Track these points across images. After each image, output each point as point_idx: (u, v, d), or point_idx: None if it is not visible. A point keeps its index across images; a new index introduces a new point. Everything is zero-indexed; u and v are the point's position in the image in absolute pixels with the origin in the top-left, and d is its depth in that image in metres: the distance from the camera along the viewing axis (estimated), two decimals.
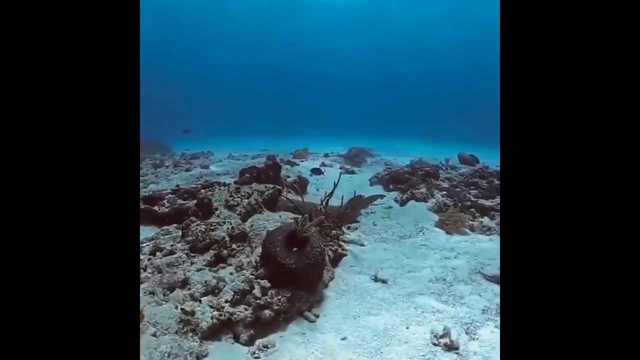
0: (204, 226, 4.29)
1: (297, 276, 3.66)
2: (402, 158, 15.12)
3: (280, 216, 4.83)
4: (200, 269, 3.83)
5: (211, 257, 3.98)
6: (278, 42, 44.27)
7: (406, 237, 6.91)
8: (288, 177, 8.90)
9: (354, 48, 44.98)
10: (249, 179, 6.69)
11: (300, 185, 9.01)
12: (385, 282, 4.73)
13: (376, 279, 4.78)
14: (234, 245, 4.20)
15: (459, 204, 8.55)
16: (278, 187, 6.62)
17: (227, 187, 5.29)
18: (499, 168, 11.68)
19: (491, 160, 12.69)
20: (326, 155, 14.90)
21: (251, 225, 4.63)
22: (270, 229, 4.50)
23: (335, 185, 6.00)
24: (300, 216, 5.10)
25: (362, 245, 6.15)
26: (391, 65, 47.10)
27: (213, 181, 6.96)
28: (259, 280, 3.64)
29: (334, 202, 6.21)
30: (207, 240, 4.10)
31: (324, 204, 5.73)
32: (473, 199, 8.65)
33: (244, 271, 3.78)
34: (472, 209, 8.24)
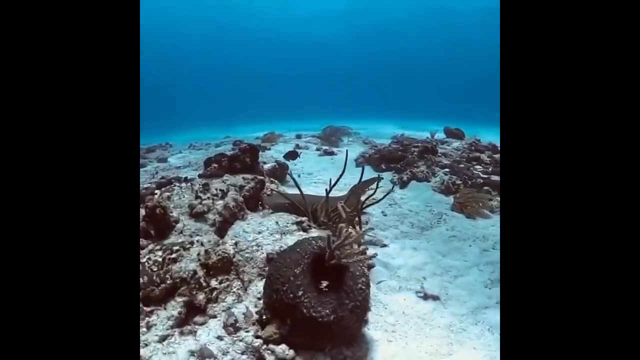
0: (159, 254, 2.52)
1: (335, 331, 2.06)
2: (382, 136, 13.80)
3: (277, 222, 3.14)
4: (164, 337, 2.10)
5: (179, 311, 2.25)
6: (232, 26, 40.96)
7: (428, 228, 5.64)
8: (264, 163, 7.11)
9: (316, 28, 42.78)
10: (219, 170, 4.88)
11: (281, 173, 7.29)
12: (438, 299, 3.53)
13: (425, 296, 3.54)
14: (213, 282, 2.50)
15: (469, 182, 7.37)
16: (259, 177, 4.88)
17: (190, 185, 3.47)
18: (489, 141, 10.82)
19: (472, 135, 11.82)
20: (299, 137, 13.23)
21: (235, 243, 2.93)
22: (268, 245, 2.82)
23: (343, 171, 4.39)
24: (304, 218, 3.46)
25: (384, 245, 4.72)
26: (359, 45, 45.60)
27: (171, 177, 5.01)
28: (271, 345, 1.99)
29: (315, 191, 4.80)
30: (168, 282, 2.35)
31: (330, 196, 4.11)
32: (483, 176, 7.49)
33: (241, 331, 2.11)
34: (485, 187, 7.08)
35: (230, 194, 3.74)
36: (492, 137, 12.61)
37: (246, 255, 2.82)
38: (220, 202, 3.48)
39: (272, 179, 5.66)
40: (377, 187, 5.07)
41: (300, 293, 2.09)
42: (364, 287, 2.30)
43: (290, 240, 2.99)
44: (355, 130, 14.01)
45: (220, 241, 3.02)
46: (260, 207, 4.92)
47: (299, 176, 8.38)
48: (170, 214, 3.10)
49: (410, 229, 5.52)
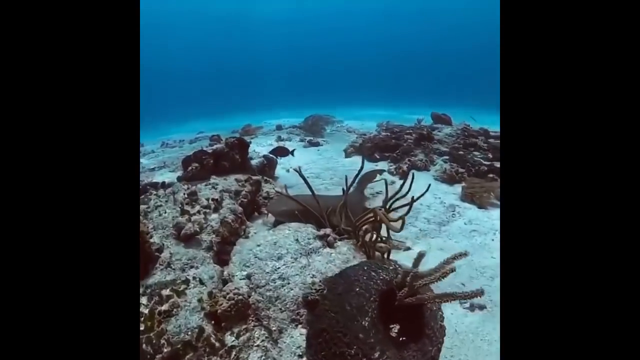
0: (144, 302, 1.70)
1: None
2: (366, 123, 13.19)
3: (296, 239, 2.38)
4: None
5: None
6: (197, 14, 38.45)
7: (445, 223, 5.16)
8: (251, 158, 6.24)
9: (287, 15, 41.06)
10: (202, 171, 4.02)
11: (270, 168, 6.46)
12: (485, 307, 3.13)
13: (472, 307, 3.14)
14: (228, 338, 1.72)
15: (472, 170, 6.90)
16: (254, 177, 4.09)
17: (171, 193, 2.63)
18: (480, 127, 10.47)
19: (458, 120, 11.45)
20: (279, 128, 12.35)
21: (248, 277, 2.15)
22: (296, 277, 2.07)
23: (361, 169, 3.69)
24: (326, 229, 2.74)
25: (408, 248, 4.14)
26: (338, 33, 44.35)
27: (145, 183, 4.08)
28: None
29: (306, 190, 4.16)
30: (165, 350, 1.55)
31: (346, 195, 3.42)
32: (486, 162, 7.03)
33: None
34: (490, 174, 6.63)
35: (225, 203, 2.93)
36: (481, 123, 12.29)
37: (268, 293, 2.05)
38: (215, 216, 2.68)
39: (266, 178, 4.84)
40: (386, 186, 4.35)
41: (377, 355, 1.38)
42: (444, 324, 1.65)
43: (320, 264, 2.24)
44: (338, 118, 13.29)
45: (226, 273, 2.23)
46: (257, 213, 4.13)
47: (287, 171, 7.58)
48: (151, 240, 2.26)
49: (427, 225, 4.95)
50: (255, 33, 44.15)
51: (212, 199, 2.79)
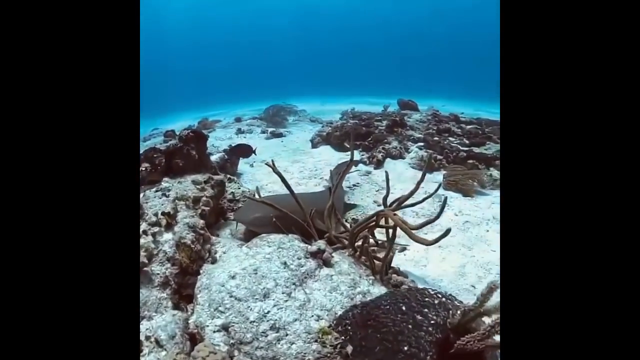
0: None
1: None
2: (329, 112, 12.59)
3: (284, 262, 1.71)
4: None
5: None
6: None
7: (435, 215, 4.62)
8: (210, 154, 5.41)
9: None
10: (153, 174, 3.21)
11: (232, 164, 5.69)
12: None
13: None
14: None
15: (451, 156, 6.58)
16: (216, 176, 3.37)
17: None
18: (450, 112, 10.30)
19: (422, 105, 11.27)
20: (238, 120, 11.43)
21: (224, 327, 1.46)
22: (297, 325, 1.42)
23: (351, 159, 3.05)
24: (319, 242, 2.11)
25: (404, 249, 3.66)
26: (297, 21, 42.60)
27: None
28: None
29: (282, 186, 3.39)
30: None
31: (333, 193, 2.81)
32: (463, 148, 6.74)
33: None
34: (470, 161, 6.35)
35: (181, 217, 2.17)
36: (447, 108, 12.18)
37: (258, 353, 1.37)
38: (168, 236, 1.92)
39: (229, 176, 4.08)
40: (387, 181, 3.77)
41: None
42: None
43: (322, 294, 1.60)
44: (301, 108, 12.56)
45: (192, 322, 1.51)
46: (222, 220, 3.38)
47: (251, 166, 6.80)
48: None
49: (417, 219, 4.46)
50: (205, 28, 41.81)
51: (162, 214, 2.03)
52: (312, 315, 1.64)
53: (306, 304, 1.67)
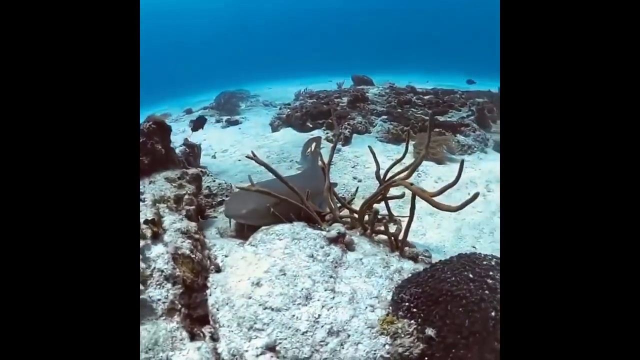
0: None
1: None
2: (282, 96, 12.10)
3: (310, 254, 1.43)
4: None
5: None
6: None
7: (417, 184, 4.59)
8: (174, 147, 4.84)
9: None
10: None
11: (195, 157, 5.19)
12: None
13: None
14: None
15: (417, 126, 6.58)
16: (191, 170, 2.97)
17: None
18: (406, 84, 10.36)
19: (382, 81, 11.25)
20: (189, 112, 10.66)
21: (269, 347, 1.32)
22: (351, 320, 1.19)
23: (336, 137, 2.87)
24: (339, 225, 1.86)
25: (423, 234, 3.56)
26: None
27: None
28: None
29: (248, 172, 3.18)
30: None
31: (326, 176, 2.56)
32: (427, 117, 6.75)
33: None
34: (436, 129, 6.40)
35: (168, 222, 1.76)
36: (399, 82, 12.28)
37: None
38: (159, 249, 1.50)
39: (202, 170, 3.64)
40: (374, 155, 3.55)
41: None
42: None
43: (363, 282, 1.35)
44: (253, 93, 11.95)
45: (226, 351, 1.19)
46: (201, 218, 2.97)
47: (213, 157, 6.28)
48: None
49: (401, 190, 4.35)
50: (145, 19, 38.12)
51: (146, 222, 1.59)
52: (366, 307, 1.42)
53: (354, 296, 1.45)
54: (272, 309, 1.38)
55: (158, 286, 1.34)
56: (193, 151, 5.27)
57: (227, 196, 3.27)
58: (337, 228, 1.79)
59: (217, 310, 1.43)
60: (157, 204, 1.86)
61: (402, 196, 2.29)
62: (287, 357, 1.27)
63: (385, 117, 7.20)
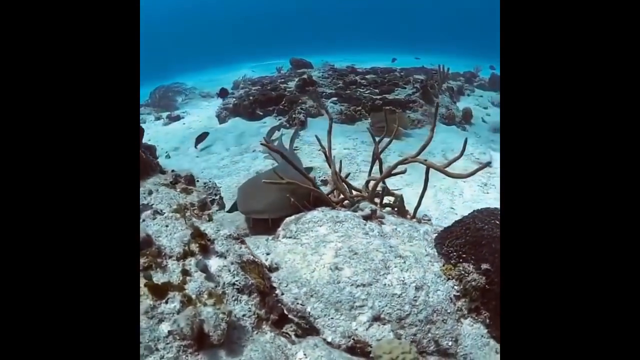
0: None
1: None
2: (218, 84, 11.54)
3: (367, 233, 1.62)
4: None
5: None
6: None
7: (383, 162, 4.81)
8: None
9: None
10: None
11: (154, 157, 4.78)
12: None
13: None
14: None
15: (368, 105, 6.82)
16: (183, 173, 2.88)
17: None
18: (346, 65, 10.52)
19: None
20: None
21: (385, 320, 1.47)
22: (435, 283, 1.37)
23: (330, 122, 2.92)
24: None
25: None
26: None
27: None
28: None
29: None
30: None
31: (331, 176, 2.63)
32: (377, 97, 7.03)
33: None
34: (387, 107, 6.70)
35: (216, 230, 1.61)
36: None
37: (421, 316, 1.40)
38: (218, 262, 1.34)
39: (182, 180, 3.39)
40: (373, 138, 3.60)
41: None
42: None
43: (407, 247, 1.53)
44: (190, 85, 11.19)
45: (344, 334, 1.34)
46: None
47: (167, 157, 5.88)
48: None
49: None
50: None
51: (198, 234, 1.41)
52: (427, 263, 1.65)
53: (415, 257, 1.65)
54: (364, 285, 1.50)
55: (236, 301, 1.28)
56: (153, 153, 4.86)
57: (215, 194, 3.11)
58: (369, 206, 1.88)
59: (303, 305, 1.45)
60: (181, 214, 1.68)
61: (404, 171, 2.43)
62: (392, 320, 1.43)
63: (335, 98, 7.32)
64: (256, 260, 1.49)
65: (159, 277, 1.26)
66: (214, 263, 1.37)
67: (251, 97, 7.49)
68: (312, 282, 1.50)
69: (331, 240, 1.68)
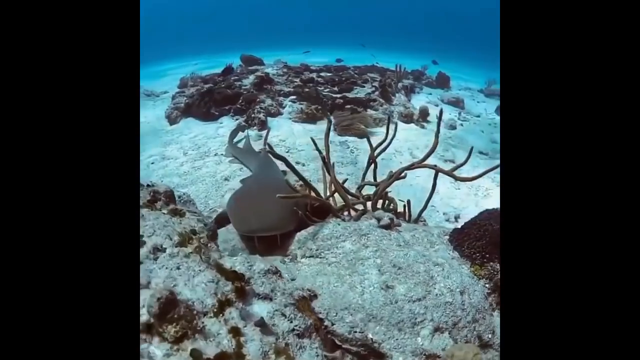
0: None
1: None
2: (160, 85, 10.68)
3: (399, 244, 1.64)
4: None
5: None
6: None
7: (354, 162, 5.02)
8: None
9: None
10: None
11: None
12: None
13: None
14: None
15: (328, 104, 6.77)
16: (161, 188, 2.51)
17: None
18: (299, 63, 10.31)
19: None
20: None
21: (448, 325, 1.50)
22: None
23: (328, 124, 2.84)
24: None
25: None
26: None
27: None
28: None
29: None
30: None
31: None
32: (337, 96, 7.00)
33: None
34: (348, 106, 6.72)
35: (249, 265, 1.34)
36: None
37: (470, 317, 1.45)
38: (267, 307, 1.11)
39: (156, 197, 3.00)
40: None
41: None
42: None
43: (430, 252, 1.48)
44: None
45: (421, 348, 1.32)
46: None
47: None
48: None
49: (342, 168, 4.52)
50: None
51: (238, 276, 1.17)
52: (458, 267, 1.70)
53: (446, 262, 1.68)
54: (420, 299, 1.49)
55: (301, 350, 1.09)
56: None
57: (194, 212, 2.80)
58: (387, 215, 1.80)
59: (361, 332, 1.32)
60: (194, 250, 1.32)
61: (404, 177, 2.39)
62: (448, 326, 1.45)
63: (294, 97, 7.16)
64: (302, 293, 1.30)
65: (202, 346, 0.96)
66: (261, 309, 1.14)
67: (204, 96, 7.03)
68: (367, 306, 1.40)
69: (366, 256, 1.59)
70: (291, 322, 1.14)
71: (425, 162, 2.22)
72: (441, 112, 2.32)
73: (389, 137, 2.57)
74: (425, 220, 2.72)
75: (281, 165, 3.68)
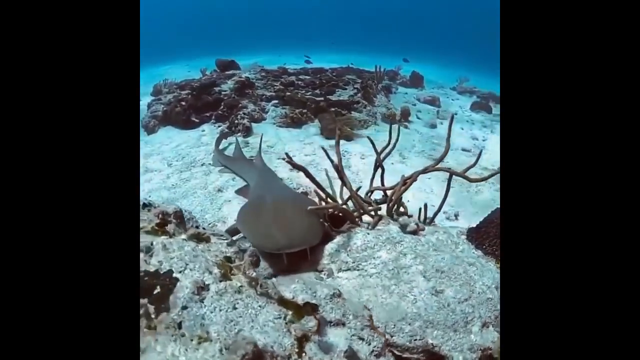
0: None
1: None
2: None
3: (435, 249, 1.67)
4: None
5: None
6: None
7: (346, 166, 4.86)
8: None
9: None
10: None
11: None
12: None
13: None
14: None
15: (313, 106, 6.76)
16: (169, 208, 2.38)
17: None
18: (276, 66, 10.20)
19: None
20: None
21: (491, 324, 1.53)
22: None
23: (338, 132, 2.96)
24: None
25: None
26: None
27: None
28: None
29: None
30: None
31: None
32: (319, 99, 7.00)
33: None
34: (332, 109, 6.74)
35: (315, 294, 1.24)
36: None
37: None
38: (341, 342, 1.03)
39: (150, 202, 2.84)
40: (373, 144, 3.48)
41: None
42: None
43: (457, 254, 1.52)
44: None
45: (474, 345, 1.36)
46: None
47: None
48: None
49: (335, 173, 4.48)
50: None
51: (309, 305, 1.10)
52: (485, 264, 1.75)
53: (479, 262, 1.73)
54: (467, 299, 1.54)
55: None
56: None
57: (219, 234, 2.69)
58: (413, 221, 1.82)
59: (422, 338, 1.35)
60: (250, 284, 1.17)
61: (415, 180, 2.41)
62: (492, 323, 1.50)
63: (276, 101, 7.08)
64: (369, 313, 1.26)
65: None
66: (337, 338, 1.06)
67: (183, 103, 6.81)
68: (423, 314, 1.42)
69: (407, 264, 1.60)
70: (369, 344, 1.11)
71: (439, 166, 2.25)
72: (452, 117, 2.35)
73: (393, 140, 2.59)
74: (435, 222, 2.77)
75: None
